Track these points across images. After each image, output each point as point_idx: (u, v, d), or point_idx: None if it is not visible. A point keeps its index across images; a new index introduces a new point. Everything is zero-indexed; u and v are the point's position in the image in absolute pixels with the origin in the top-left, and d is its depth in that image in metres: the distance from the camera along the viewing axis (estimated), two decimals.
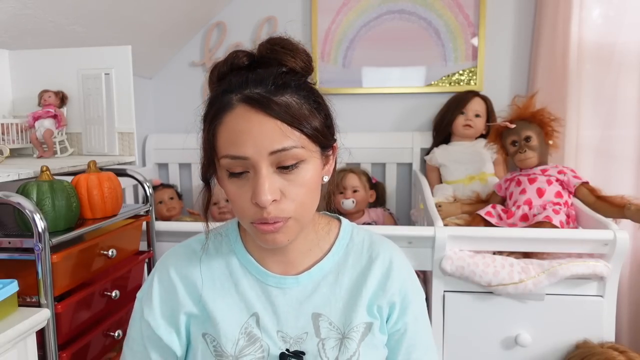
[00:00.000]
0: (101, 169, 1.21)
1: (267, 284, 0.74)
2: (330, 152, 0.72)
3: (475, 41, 2.02)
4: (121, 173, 1.31)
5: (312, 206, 0.69)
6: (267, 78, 0.64)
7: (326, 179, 0.72)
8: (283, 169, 0.64)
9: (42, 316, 0.93)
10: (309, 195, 0.66)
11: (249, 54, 0.68)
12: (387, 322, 0.76)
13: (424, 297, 0.81)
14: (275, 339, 0.72)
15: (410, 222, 2.07)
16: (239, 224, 0.79)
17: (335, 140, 0.72)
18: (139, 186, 1.42)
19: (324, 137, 0.68)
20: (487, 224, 1.51)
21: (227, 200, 1.85)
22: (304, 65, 0.68)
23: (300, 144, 0.64)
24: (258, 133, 0.62)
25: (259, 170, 0.63)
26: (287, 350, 0.71)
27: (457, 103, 1.93)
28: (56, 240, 0.98)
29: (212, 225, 0.79)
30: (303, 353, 0.71)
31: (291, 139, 0.63)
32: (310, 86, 0.69)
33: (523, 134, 1.59)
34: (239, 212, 0.67)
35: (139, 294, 0.78)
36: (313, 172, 0.66)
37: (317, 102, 0.68)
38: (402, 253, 0.80)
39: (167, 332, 0.74)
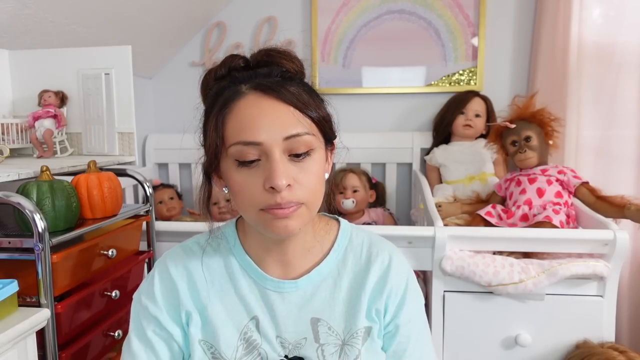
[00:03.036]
0: (101, 169, 1.21)
1: (265, 287, 0.73)
2: (330, 150, 0.73)
3: (475, 41, 2.02)
4: (121, 173, 1.31)
5: (320, 196, 0.69)
6: (273, 72, 0.67)
7: (326, 175, 0.73)
8: (295, 157, 0.64)
9: (42, 316, 0.93)
10: (318, 183, 0.67)
11: (245, 58, 0.69)
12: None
13: (423, 302, 0.79)
14: (274, 345, 0.71)
15: (410, 222, 2.07)
16: (236, 225, 0.79)
17: (336, 136, 0.73)
18: (139, 186, 1.42)
19: (329, 127, 0.69)
20: (487, 224, 1.51)
21: (228, 200, 1.85)
22: (298, 69, 0.70)
23: (311, 131, 0.65)
24: (271, 118, 0.63)
25: (273, 155, 0.62)
26: (286, 356, 0.70)
27: (457, 103, 1.93)
28: (56, 240, 0.98)
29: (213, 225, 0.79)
30: (302, 359, 0.70)
31: (303, 125, 0.64)
32: (310, 85, 0.71)
33: (523, 134, 1.59)
34: (246, 201, 0.65)
35: (135, 295, 0.76)
36: (321, 162, 0.67)
37: (319, 97, 0.70)
38: (401, 255, 0.78)
39: (175, 328, 0.72)
